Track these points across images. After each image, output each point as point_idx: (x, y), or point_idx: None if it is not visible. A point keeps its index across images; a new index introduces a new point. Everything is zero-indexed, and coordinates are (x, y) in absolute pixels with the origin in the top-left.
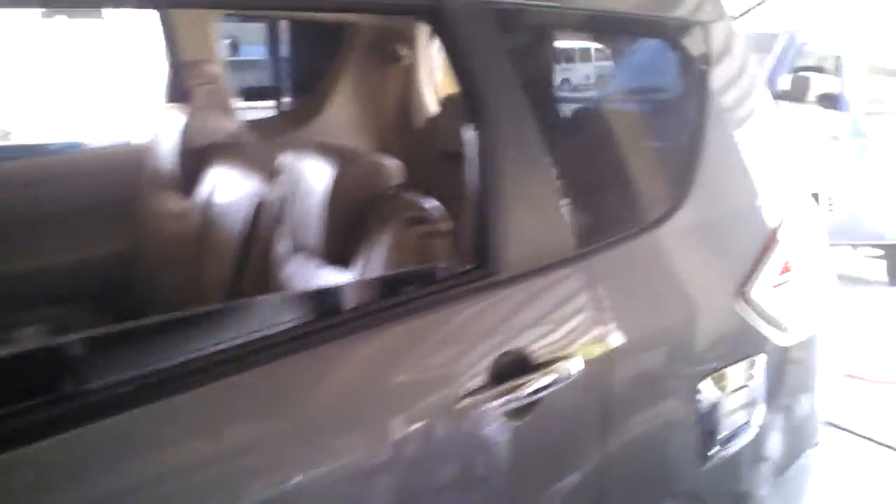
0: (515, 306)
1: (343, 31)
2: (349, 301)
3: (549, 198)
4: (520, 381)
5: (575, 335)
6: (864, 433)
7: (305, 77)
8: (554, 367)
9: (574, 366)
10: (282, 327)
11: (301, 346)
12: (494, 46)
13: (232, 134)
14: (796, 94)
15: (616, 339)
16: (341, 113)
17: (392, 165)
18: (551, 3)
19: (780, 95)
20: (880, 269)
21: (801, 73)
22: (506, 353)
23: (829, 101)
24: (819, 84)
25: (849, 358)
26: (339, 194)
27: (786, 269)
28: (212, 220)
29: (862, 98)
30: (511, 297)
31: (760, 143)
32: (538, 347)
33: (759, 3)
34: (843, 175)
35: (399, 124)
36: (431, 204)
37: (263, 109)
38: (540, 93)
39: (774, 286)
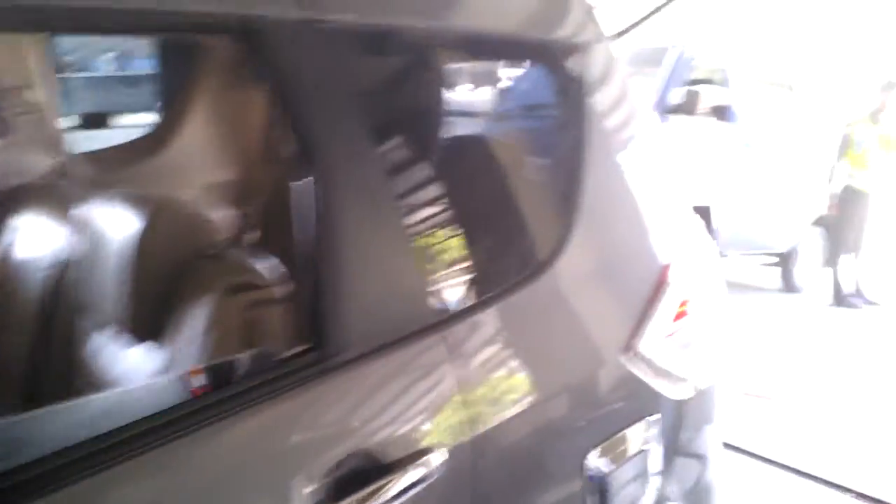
0: (359, 395)
1: (200, 46)
2: (142, 403)
3: (401, 257)
4: (369, 489)
5: (437, 421)
6: (765, 455)
7: (168, 98)
8: (412, 464)
9: (436, 458)
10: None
11: (77, 475)
12: (328, 75)
13: (52, 172)
14: (688, 107)
15: (487, 417)
16: (195, 141)
17: (216, 218)
18: (410, 23)
19: (671, 109)
20: (775, 276)
21: (692, 87)
22: (349, 457)
23: (719, 113)
24: (710, 97)
25: (747, 375)
26: (145, 255)
27: (680, 315)
28: (9, 280)
29: (750, 109)
30: (354, 383)
31: (647, 172)
32: (390, 443)
33: (639, 22)
34: (734, 186)
35: (265, 153)
36: (266, 264)
37: (138, 130)
38: (394, 130)
39: (667, 335)
